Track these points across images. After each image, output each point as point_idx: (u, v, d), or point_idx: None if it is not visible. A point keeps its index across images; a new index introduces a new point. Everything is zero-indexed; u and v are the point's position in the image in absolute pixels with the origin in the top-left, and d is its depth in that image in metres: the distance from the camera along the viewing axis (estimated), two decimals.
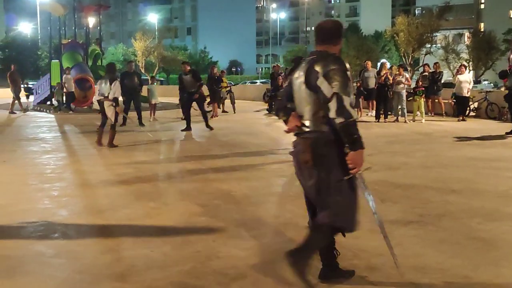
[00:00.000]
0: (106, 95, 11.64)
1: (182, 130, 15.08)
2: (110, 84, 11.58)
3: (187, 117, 15.41)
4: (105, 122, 12.05)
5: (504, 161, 10.11)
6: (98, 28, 30.31)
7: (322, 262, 4.24)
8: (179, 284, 4.28)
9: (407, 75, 17.69)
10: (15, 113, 22.48)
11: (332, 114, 3.67)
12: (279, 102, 4.24)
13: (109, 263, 4.74)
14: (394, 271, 4.51)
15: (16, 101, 22.98)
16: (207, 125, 15.44)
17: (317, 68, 3.78)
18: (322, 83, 3.72)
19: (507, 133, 13.77)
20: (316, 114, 3.84)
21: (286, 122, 4.06)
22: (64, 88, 22.79)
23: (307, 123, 3.91)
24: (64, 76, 22.71)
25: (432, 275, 4.43)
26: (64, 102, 23.38)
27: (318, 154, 3.83)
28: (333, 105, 3.66)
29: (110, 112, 11.72)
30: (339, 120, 3.65)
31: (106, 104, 11.72)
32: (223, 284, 4.28)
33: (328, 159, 3.84)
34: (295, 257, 3.93)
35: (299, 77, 3.97)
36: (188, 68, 15.90)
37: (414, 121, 17.58)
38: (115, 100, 11.59)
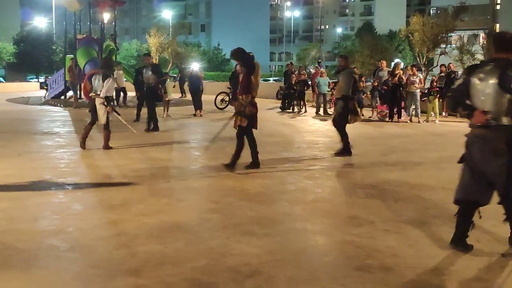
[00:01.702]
0: (98, 92, 10.69)
1: (148, 131, 13.95)
2: (103, 81, 10.57)
3: (151, 115, 14.28)
4: (95, 121, 10.98)
5: None
6: (113, 23, 30.39)
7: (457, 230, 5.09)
8: (192, 281, 4.29)
9: (421, 76, 17.62)
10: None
11: None
12: (454, 99, 5.11)
13: (123, 258, 4.76)
14: (408, 272, 4.50)
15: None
16: (148, 128, 14.15)
17: None
18: None
19: None
20: (507, 110, 4.67)
21: (468, 116, 4.90)
22: (116, 84, 22.76)
23: (493, 117, 4.71)
24: (115, 71, 22.59)
25: (447, 277, 4.41)
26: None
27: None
28: None
29: (101, 111, 10.65)
30: None
31: (98, 101, 10.69)
32: (237, 281, 4.28)
33: None
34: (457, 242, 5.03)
35: (484, 79, 4.79)
36: (150, 61, 15.65)
37: (427, 121, 17.51)
38: (107, 99, 10.60)
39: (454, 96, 5.13)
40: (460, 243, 5.03)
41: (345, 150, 10.53)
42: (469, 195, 4.98)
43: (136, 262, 4.65)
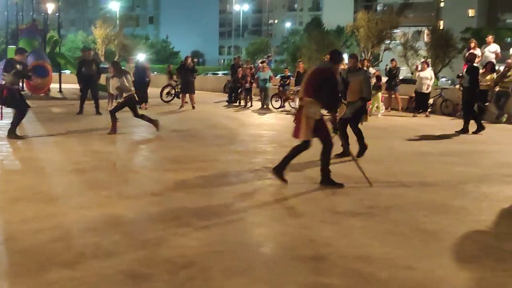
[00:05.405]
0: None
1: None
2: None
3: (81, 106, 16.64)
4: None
5: (453, 155, 10.38)
6: (57, 14, 29.75)
7: None
8: (128, 272, 4.30)
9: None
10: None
11: None
12: None
13: (58, 250, 4.72)
14: (340, 260, 4.63)
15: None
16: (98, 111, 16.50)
17: None
18: None
19: (473, 132, 13.71)
20: None
21: None
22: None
23: None
24: (126, 65, 21.85)
25: (376, 265, 4.55)
26: None
27: None
28: None
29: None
30: None
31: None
32: (172, 272, 4.32)
33: None
34: None
35: None
36: (92, 55, 17.60)
37: (370, 115, 17.85)
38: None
39: None
40: None
41: (362, 149, 10.17)
42: None
43: (72, 255, 4.63)
